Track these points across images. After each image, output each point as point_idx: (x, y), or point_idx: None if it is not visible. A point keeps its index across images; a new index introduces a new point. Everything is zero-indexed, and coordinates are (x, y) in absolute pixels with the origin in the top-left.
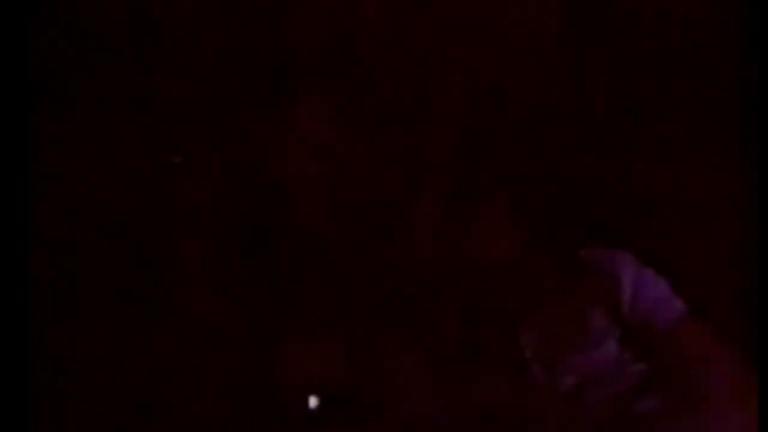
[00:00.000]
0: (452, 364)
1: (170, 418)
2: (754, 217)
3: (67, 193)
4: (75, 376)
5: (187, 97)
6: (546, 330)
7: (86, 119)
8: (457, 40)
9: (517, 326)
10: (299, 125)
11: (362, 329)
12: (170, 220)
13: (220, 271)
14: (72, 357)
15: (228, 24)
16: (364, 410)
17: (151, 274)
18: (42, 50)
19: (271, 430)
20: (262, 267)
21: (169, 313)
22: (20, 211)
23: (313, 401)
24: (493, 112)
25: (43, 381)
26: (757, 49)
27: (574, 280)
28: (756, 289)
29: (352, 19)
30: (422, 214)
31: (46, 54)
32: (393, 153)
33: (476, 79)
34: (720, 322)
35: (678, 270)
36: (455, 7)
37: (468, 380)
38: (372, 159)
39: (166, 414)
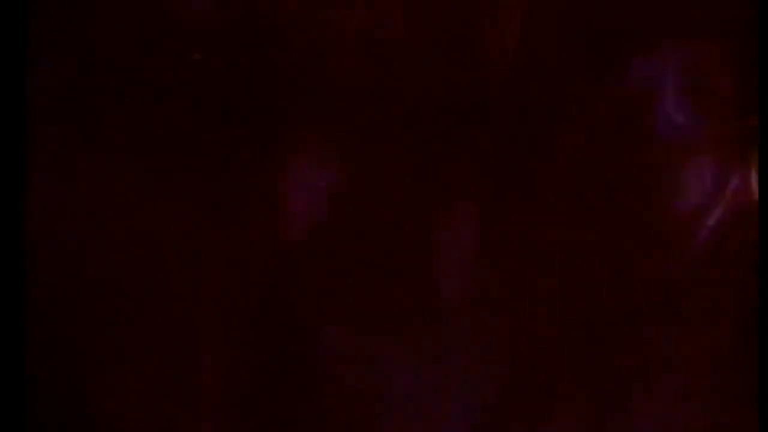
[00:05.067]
0: None
1: None
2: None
3: (65, 206)
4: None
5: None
6: None
7: (85, 128)
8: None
9: None
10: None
11: None
12: (170, 243)
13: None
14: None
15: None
16: None
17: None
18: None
19: None
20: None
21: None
22: (16, 219)
23: None
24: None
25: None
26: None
27: None
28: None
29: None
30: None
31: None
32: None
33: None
34: (720, 321)
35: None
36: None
37: None
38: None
39: None
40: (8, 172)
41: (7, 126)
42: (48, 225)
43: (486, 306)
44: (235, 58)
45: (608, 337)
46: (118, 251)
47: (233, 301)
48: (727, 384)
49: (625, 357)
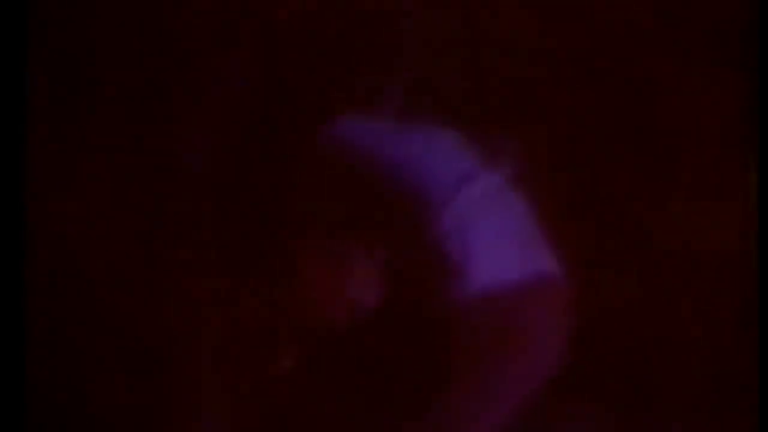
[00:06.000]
0: None
1: None
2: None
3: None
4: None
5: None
6: None
7: (86, 128)
8: None
9: None
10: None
11: None
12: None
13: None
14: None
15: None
16: None
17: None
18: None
19: None
20: None
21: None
22: (16, 219)
23: None
24: None
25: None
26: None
27: None
28: (756, 288)
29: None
30: None
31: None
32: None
33: None
34: (719, 322)
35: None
36: None
37: None
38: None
39: None
40: (8, 172)
41: (7, 126)
42: (48, 225)
43: None
44: (236, 55)
45: (605, 340)
46: (119, 251)
47: (234, 299)
48: (727, 385)
49: (623, 360)
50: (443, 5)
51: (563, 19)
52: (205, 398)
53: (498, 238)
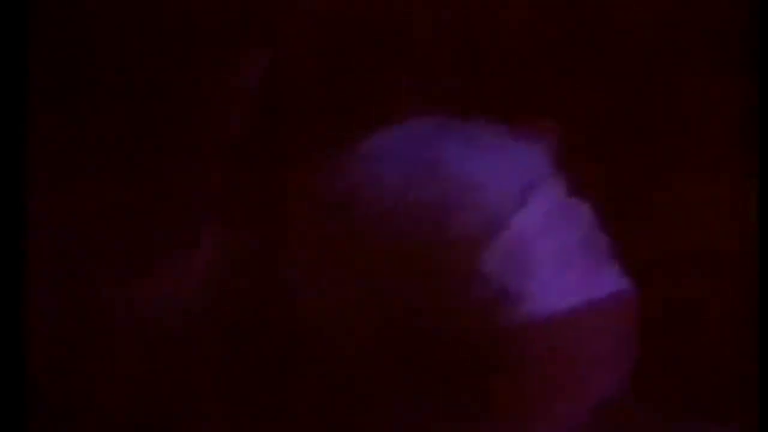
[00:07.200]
0: None
1: None
2: (755, 217)
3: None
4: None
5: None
6: None
7: (86, 128)
8: None
9: None
10: None
11: None
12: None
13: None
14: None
15: None
16: None
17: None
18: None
19: None
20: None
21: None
22: (16, 219)
23: None
24: None
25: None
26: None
27: None
28: (756, 288)
29: None
30: None
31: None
32: None
33: None
34: (719, 322)
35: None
36: None
37: None
38: None
39: None
40: (8, 172)
41: (7, 126)
42: (48, 225)
43: None
44: (237, 54)
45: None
46: (119, 251)
47: (233, 295)
48: (727, 385)
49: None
50: (453, 4)
51: (562, 20)
52: (207, 400)
53: (564, 255)
